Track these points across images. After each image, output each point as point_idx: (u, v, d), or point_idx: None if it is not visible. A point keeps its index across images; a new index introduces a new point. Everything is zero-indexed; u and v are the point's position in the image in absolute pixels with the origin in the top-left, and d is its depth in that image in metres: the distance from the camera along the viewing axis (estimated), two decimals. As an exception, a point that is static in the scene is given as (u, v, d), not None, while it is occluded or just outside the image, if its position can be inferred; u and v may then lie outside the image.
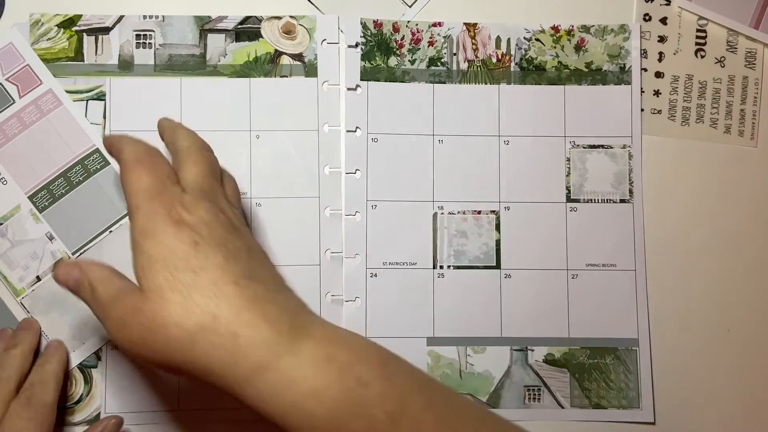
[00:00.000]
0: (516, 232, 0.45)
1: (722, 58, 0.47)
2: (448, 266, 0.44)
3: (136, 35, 0.44)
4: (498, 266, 0.44)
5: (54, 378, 0.39)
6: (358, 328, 0.43)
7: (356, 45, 0.45)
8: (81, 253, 0.42)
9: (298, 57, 0.45)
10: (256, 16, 0.45)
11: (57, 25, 0.44)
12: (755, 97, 0.46)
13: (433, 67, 0.45)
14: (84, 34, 0.44)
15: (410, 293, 0.44)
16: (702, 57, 0.47)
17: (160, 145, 0.36)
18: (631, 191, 0.45)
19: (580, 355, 0.44)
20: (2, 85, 0.43)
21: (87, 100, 0.43)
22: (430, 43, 0.45)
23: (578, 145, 0.45)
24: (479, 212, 0.45)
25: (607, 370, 0.44)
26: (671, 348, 0.45)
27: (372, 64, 0.45)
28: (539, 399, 0.44)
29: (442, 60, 0.45)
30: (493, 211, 0.45)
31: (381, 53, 0.45)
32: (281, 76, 0.44)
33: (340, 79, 0.45)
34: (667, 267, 0.45)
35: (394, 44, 0.45)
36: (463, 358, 0.44)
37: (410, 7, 0.46)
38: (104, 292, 0.31)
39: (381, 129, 0.44)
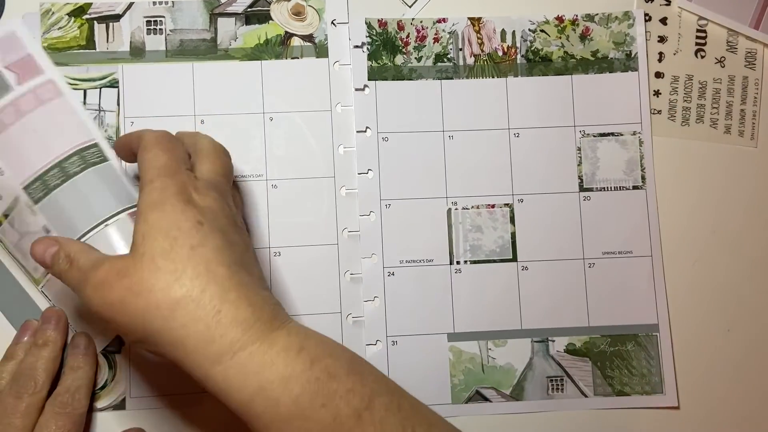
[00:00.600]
0: (531, 223, 0.45)
1: (722, 59, 0.47)
2: (465, 261, 0.44)
3: (147, 21, 0.44)
4: (514, 259, 0.44)
5: (87, 384, 0.39)
6: (378, 328, 0.43)
7: (362, 45, 0.45)
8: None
9: (309, 38, 0.45)
10: (265, -2, 0.45)
11: (67, 14, 0.44)
12: (755, 98, 0.47)
13: (439, 64, 0.45)
14: (95, 21, 0.44)
15: (428, 290, 0.44)
16: (702, 57, 0.47)
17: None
18: (643, 177, 0.45)
19: (601, 344, 0.44)
20: (1, 72, 0.41)
21: (100, 88, 0.44)
22: (436, 40, 0.45)
23: (588, 134, 0.45)
24: (493, 206, 0.45)
25: (629, 357, 0.44)
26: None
27: (379, 64, 0.45)
28: (562, 389, 0.44)
29: (449, 56, 0.45)
30: (506, 204, 0.45)
31: (387, 52, 0.45)
32: (292, 58, 0.45)
33: (352, 71, 0.45)
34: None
35: (400, 42, 0.45)
36: (484, 352, 0.44)
37: (410, 7, 0.46)
38: (86, 259, 0.32)
39: (391, 128, 0.45)
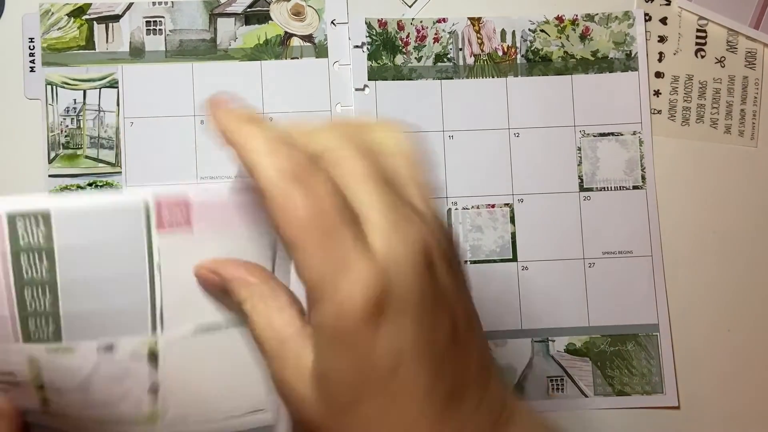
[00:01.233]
0: (531, 223, 0.45)
1: (722, 58, 0.47)
2: (465, 261, 0.44)
3: (146, 22, 0.44)
4: (515, 259, 0.44)
5: None
6: (379, 328, 0.43)
7: (362, 45, 0.45)
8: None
9: (308, 38, 0.45)
10: (265, -2, 0.45)
11: (67, 14, 0.44)
12: (755, 97, 0.47)
13: (439, 64, 0.45)
14: (94, 22, 0.44)
15: (429, 290, 0.44)
16: (702, 57, 0.47)
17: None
18: (643, 177, 0.45)
19: (601, 343, 0.44)
20: None
21: (100, 88, 0.44)
22: (436, 40, 0.45)
23: (588, 134, 0.45)
24: (493, 206, 0.45)
25: (629, 357, 0.44)
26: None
27: (378, 64, 0.45)
28: (563, 389, 0.44)
29: (449, 56, 0.45)
30: (506, 204, 0.45)
31: (387, 52, 0.45)
32: (292, 58, 0.45)
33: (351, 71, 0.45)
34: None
35: (400, 42, 0.45)
36: (484, 352, 0.44)
37: (410, 7, 0.46)
38: None
39: (391, 128, 0.44)
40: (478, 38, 0.46)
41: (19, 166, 0.44)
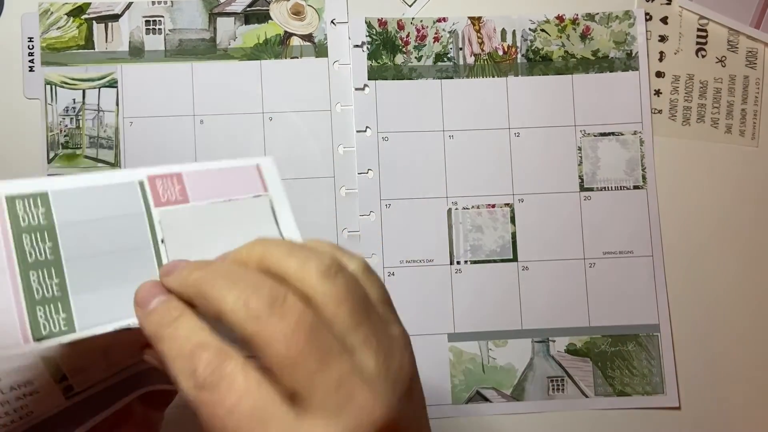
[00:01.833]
0: (531, 223, 0.44)
1: (723, 58, 0.46)
2: (465, 261, 0.44)
3: (146, 21, 0.44)
4: (515, 259, 0.44)
5: None
6: (379, 328, 0.43)
7: (362, 44, 0.45)
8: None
9: (308, 38, 0.45)
10: (264, -1, 0.45)
11: (66, 14, 0.44)
12: (756, 97, 0.46)
13: (439, 63, 0.45)
14: (94, 21, 0.44)
15: (429, 290, 0.44)
16: (703, 56, 0.46)
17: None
18: (644, 177, 0.45)
19: (601, 344, 0.44)
20: None
21: (99, 88, 0.44)
22: (436, 39, 0.45)
23: (589, 134, 0.45)
24: (493, 206, 0.45)
25: (630, 357, 0.44)
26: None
27: (378, 63, 0.45)
28: (563, 389, 0.44)
29: (449, 55, 0.45)
30: (507, 204, 0.45)
31: (387, 51, 0.45)
32: (292, 58, 0.45)
33: (351, 71, 0.45)
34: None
35: (400, 42, 0.45)
36: (484, 352, 0.44)
37: (410, 6, 0.46)
38: None
39: (391, 127, 0.44)
40: (478, 38, 0.45)
41: (19, 165, 0.44)
